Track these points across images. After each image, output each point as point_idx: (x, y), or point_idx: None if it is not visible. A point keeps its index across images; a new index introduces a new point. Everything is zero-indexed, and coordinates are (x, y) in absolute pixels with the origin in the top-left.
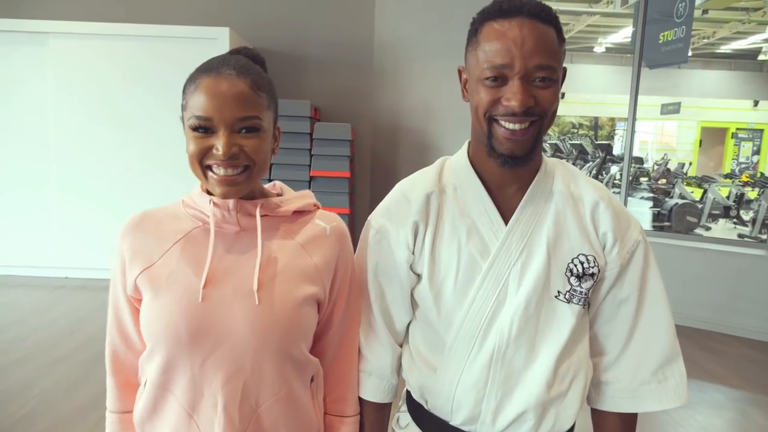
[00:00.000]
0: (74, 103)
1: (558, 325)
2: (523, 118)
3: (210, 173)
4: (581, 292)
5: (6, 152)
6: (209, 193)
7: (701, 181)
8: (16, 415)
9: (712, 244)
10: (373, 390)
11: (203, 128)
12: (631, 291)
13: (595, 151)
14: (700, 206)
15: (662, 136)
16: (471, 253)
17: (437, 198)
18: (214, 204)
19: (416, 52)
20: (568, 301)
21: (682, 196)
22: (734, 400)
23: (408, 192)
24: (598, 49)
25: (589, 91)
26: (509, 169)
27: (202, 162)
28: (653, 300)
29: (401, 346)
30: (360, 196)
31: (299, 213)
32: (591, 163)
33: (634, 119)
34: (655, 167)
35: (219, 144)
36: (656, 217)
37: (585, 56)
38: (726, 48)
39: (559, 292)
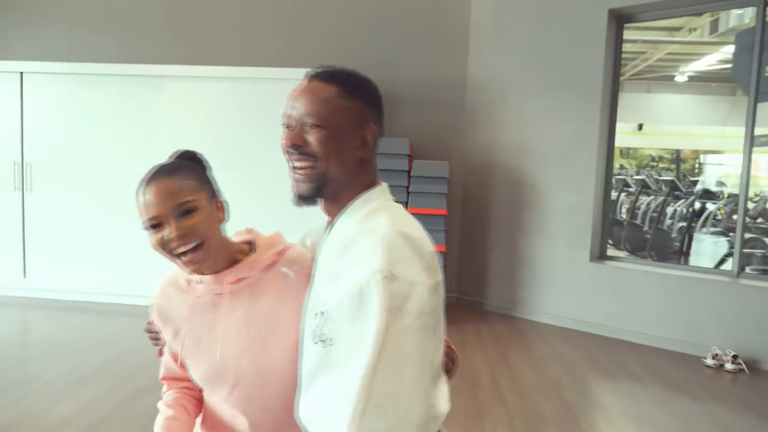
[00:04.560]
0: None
1: (306, 362)
2: (299, 156)
3: (179, 259)
4: (315, 331)
5: None
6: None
7: None
8: None
9: None
10: None
11: (154, 225)
12: (336, 332)
13: (682, 186)
14: None
15: (753, 170)
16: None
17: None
18: (196, 282)
19: (511, 91)
20: (312, 339)
21: None
22: None
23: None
24: (680, 78)
25: (669, 122)
26: (325, 207)
27: (168, 251)
28: (350, 352)
29: None
30: (451, 234)
31: (269, 267)
32: (683, 200)
33: (750, 153)
34: (751, 205)
35: (168, 230)
36: (764, 260)
37: (665, 85)
38: None
39: (311, 328)
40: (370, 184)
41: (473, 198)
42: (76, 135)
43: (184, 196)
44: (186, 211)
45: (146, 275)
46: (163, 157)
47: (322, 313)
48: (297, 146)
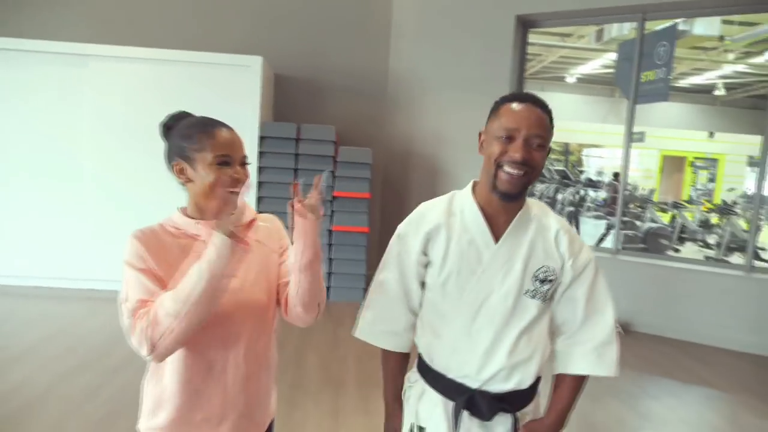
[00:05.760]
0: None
1: (523, 313)
2: (520, 166)
3: (231, 195)
4: (542, 292)
5: None
6: (191, 217)
7: (672, 207)
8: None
9: (695, 265)
10: (394, 343)
11: (223, 163)
12: (581, 293)
13: (571, 176)
14: (670, 230)
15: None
16: (469, 258)
17: (446, 218)
18: (203, 224)
19: (429, 84)
20: (533, 297)
21: (653, 220)
22: (718, 399)
23: (426, 212)
24: (570, 79)
25: (559, 119)
26: (505, 203)
27: (225, 187)
28: (598, 301)
29: (415, 315)
30: (371, 216)
31: (251, 223)
32: (572, 188)
33: (629, 148)
34: (626, 192)
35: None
36: (629, 240)
37: (557, 85)
38: (684, 83)
39: (527, 290)
40: None
41: (392, 184)
42: None
43: (245, 151)
44: (245, 163)
45: (67, 256)
46: (85, 138)
47: (551, 280)
48: (527, 159)
